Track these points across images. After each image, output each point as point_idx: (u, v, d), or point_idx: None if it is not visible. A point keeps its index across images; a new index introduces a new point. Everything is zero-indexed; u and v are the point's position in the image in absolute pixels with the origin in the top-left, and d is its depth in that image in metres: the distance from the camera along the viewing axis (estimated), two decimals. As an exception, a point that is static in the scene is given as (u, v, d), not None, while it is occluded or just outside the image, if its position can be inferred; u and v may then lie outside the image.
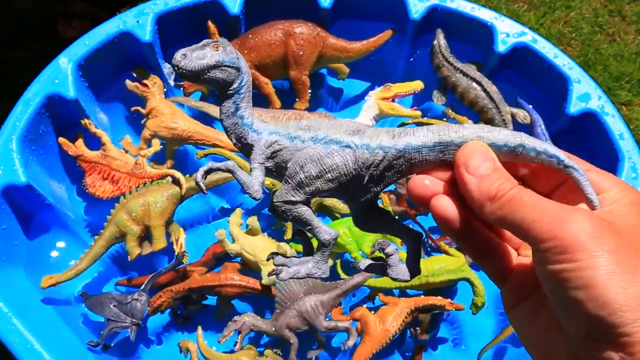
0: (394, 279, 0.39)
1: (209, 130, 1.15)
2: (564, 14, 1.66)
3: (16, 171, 0.98)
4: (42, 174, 1.08)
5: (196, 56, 0.36)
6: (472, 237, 0.34)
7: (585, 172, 0.32)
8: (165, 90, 1.18)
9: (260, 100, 1.20)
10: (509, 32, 1.14)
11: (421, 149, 0.34)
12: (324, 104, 1.33)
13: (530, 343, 0.33)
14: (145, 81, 1.14)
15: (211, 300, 1.11)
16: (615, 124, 1.06)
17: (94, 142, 1.11)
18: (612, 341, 0.26)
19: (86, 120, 1.10)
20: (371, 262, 0.40)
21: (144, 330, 1.11)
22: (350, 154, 0.35)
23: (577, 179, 0.31)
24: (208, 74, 0.37)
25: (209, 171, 0.39)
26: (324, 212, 1.13)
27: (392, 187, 1.16)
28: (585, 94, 1.10)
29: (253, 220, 1.06)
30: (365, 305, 1.08)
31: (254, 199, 0.38)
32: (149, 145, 1.14)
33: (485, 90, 1.15)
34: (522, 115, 1.16)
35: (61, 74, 1.06)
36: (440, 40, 1.18)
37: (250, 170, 0.38)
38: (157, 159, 1.18)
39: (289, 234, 1.12)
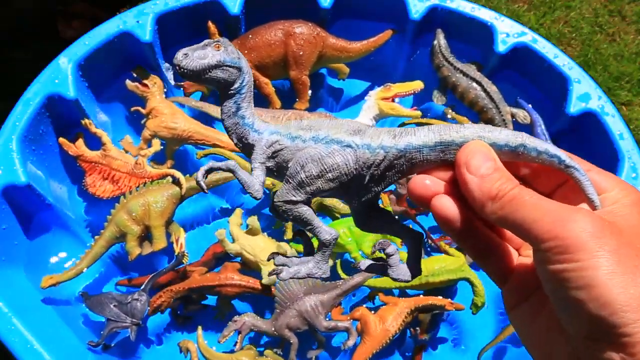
0: (394, 279, 0.39)
1: (209, 130, 1.15)
2: (564, 14, 1.66)
3: (16, 171, 0.98)
4: (42, 174, 1.08)
5: (197, 56, 0.36)
6: (473, 237, 0.34)
7: (586, 172, 0.32)
8: (165, 90, 1.18)
9: (260, 100, 1.20)
10: (509, 32, 1.14)
11: (422, 149, 0.34)
12: (324, 104, 1.33)
13: (531, 343, 0.33)
14: (145, 81, 1.14)
15: (211, 300, 1.11)
16: (615, 124, 1.06)
17: (94, 142, 1.11)
18: (612, 341, 0.26)
19: (86, 120, 1.10)
20: (372, 262, 0.40)
21: (144, 330, 1.11)
22: (351, 154, 0.35)
23: (578, 179, 0.31)
24: (209, 73, 0.37)
25: (209, 170, 0.39)
26: (324, 212, 1.13)
27: (392, 187, 1.16)
28: (585, 94, 1.10)
29: (253, 220, 1.06)
30: (365, 305, 1.08)
31: (255, 198, 0.38)
32: (149, 145, 1.14)
33: (485, 90, 1.15)
34: (522, 115, 1.16)
35: (61, 74, 1.06)
36: (440, 40, 1.18)
37: (251, 170, 0.38)
38: (157, 159, 1.18)
39: (289, 234, 1.12)
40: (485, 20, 1.15)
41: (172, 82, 1.24)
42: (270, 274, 0.41)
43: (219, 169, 0.39)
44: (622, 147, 1.04)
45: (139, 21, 1.12)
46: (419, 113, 1.16)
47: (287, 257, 0.39)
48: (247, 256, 1.05)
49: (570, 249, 0.27)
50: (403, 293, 1.10)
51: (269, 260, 0.40)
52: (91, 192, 1.10)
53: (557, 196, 0.33)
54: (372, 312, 1.04)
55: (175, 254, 1.06)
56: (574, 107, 1.09)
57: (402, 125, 1.16)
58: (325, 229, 0.38)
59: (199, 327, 1.03)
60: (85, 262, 1.06)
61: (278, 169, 0.38)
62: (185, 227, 1.14)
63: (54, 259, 1.12)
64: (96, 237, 1.07)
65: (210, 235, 1.13)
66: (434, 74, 1.21)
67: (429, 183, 0.33)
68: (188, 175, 1.11)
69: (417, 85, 1.16)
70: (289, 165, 0.37)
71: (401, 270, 0.39)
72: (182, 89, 1.23)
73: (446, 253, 1.07)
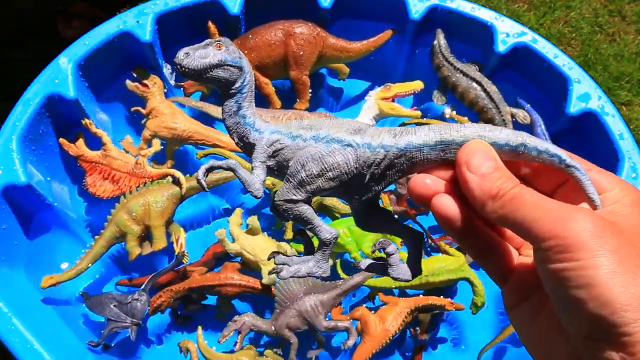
0: (395, 279, 0.39)
1: (209, 130, 1.15)
2: (564, 14, 1.66)
3: (16, 171, 0.98)
4: (43, 174, 1.08)
5: (199, 55, 0.36)
6: (474, 236, 0.34)
7: (586, 171, 0.31)
8: (165, 90, 1.18)
9: (260, 100, 1.20)
10: (509, 32, 1.14)
11: (422, 148, 0.34)
12: (324, 104, 1.33)
13: (531, 343, 0.33)
14: (145, 81, 1.14)
15: (211, 300, 1.11)
16: (615, 124, 1.06)
17: (95, 142, 1.11)
18: (612, 341, 0.26)
19: (87, 120, 1.10)
20: (372, 261, 0.40)
21: (144, 330, 1.11)
22: (352, 153, 0.35)
23: (578, 178, 0.31)
24: (210, 72, 0.37)
25: (210, 169, 0.39)
26: (324, 212, 1.13)
27: (392, 187, 1.16)
28: (585, 94, 1.10)
29: (253, 220, 1.06)
30: (365, 305, 1.08)
31: (255, 197, 0.38)
32: (150, 145, 1.14)
33: (485, 90, 1.15)
34: (522, 115, 1.16)
35: (61, 74, 1.06)
36: (440, 40, 1.18)
37: (252, 169, 0.38)
38: (158, 159, 1.18)
39: (289, 234, 1.12)
40: (485, 20, 1.15)
41: (172, 83, 1.24)
42: (270, 273, 0.41)
43: (220, 167, 0.39)
44: (622, 147, 1.04)
45: (139, 21, 1.12)
46: (419, 113, 1.16)
47: (288, 256, 0.39)
48: (247, 256, 1.05)
49: (570, 248, 0.27)
50: (403, 293, 1.10)
51: (269, 259, 0.40)
52: (91, 192, 1.10)
53: (557, 195, 0.33)
54: (372, 311, 1.04)
55: (175, 254, 1.06)
56: (574, 107, 1.09)
57: (403, 125, 1.16)
58: (326, 228, 0.38)
59: (199, 327, 1.03)
60: (86, 262, 1.06)
61: (279, 168, 0.38)
62: (185, 227, 1.14)
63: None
64: (96, 237, 1.07)
65: (210, 235, 1.13)
66: (434, 74, 1.21)
67: (429, 182, 0.33)
68: (188, 175, 1.11)
69: (417, 85, 1.16)
70: (289, 164, 0.37)
71: (401, 269, 0.39)
72: (182, 89, 1.23)
73: (446, 253, 1.07)
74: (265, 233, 1.09)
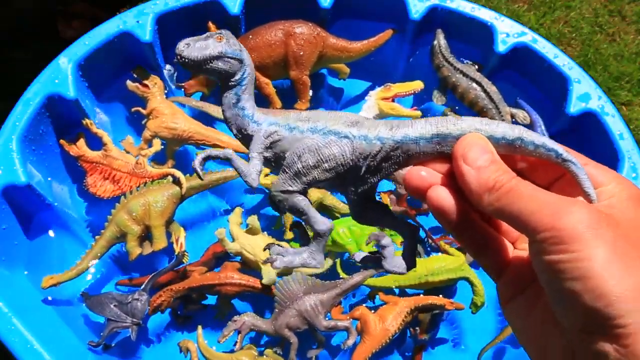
0: (389, 271, 0.39)
1: (210, 130, 1.15)
2: (564, 14, 1.66)
3: (16, 171, 0.98)
4: (43, 174, 1.08)
5: (199, 46, 0.37)
6: (469, 229, 0.34)
7: (583, 165, 0.31)
8: (166, 90, 1.18)
9: (260, 100, 1.20)
10: (509, 32, 1.14)
11: (419, 141, 0.34)
12: (324, 104, 1.33)
13: (526, 337, 0.33)
14: (145, 82, 1.14)
15: (211, 300, 1.11)
16: (615, 124, 1.06)
17: (96, 143, 1.11)
18: (607, 333, 0.26)
19: (87, 121, 1.10)
20: (366, 254, 0.40)
21: (144, 330, 1.11)
22: (348, 145, 0.36)
23: (574, 172, 0.31)
24: (210, 64, 0.37)
25: (207, 158, 0.39)
26: (324, 212, 1.13)
27: (392, 187, 1.16)
28: (585, 94, 1.10)
29: (253, 220, 1.06)
30: (365, 305, 1.08)
31: (251, 187, 0.38)
32: (150, 146, 1.14)
33: (485, 91, 1.15)
34: (522, 115, 1.16)
35: (61, 74, 1.06)
36: (440, 40, 1.18)
37: (249, 159, 0.39)
38: (158, 159, 1.18)
39: (289, 234, 1.12)
40: (485, 20, 1.15)
41: (173, 83, 1.24)
42: (264, 262, 0.42)
43: (217, 157, 0.39)
44: (622, 147, 1.04)
45: (139, 21, 1.12)
46: (419, 113, 1.16)
47: (283, 247, 0.39)
48: (246, 255, 1.05)
49: (566, 239, 0.27)
50: (403, 292, 1.10)
51: (265, 250, 0.40)
52: (92, 192, 1.11)
53: (554, 190, 0.33)
54: (372, 311, 1.04)
55: (175, 253, 1.06)
56: (574, 107, 1.09)
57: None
58: (321, 220, 0.38)
59: (199, 327, 1.03)
60: (86, 262, 1.06)
61: (276, 160, 0.38)
62: (185, 227, 1.14)
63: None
64: (97, 237, 1.07)
65: (210, 235, 1.13)
66: (434, 74, 1.21)
67: (425, 174, 0.34)
68: (188, 175, 1.11)
69: (417, 85, 1.16)
70: (286, 156, 0.37)
71: (396, 262, 0.39)
72: (182, 89, 1.23)
73: (446, 252, 1.07)
74: (265, 233, 1.09)
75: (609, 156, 1.05)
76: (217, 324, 1.09)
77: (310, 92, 1.22)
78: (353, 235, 1.07)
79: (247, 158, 0.39)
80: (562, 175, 0.33)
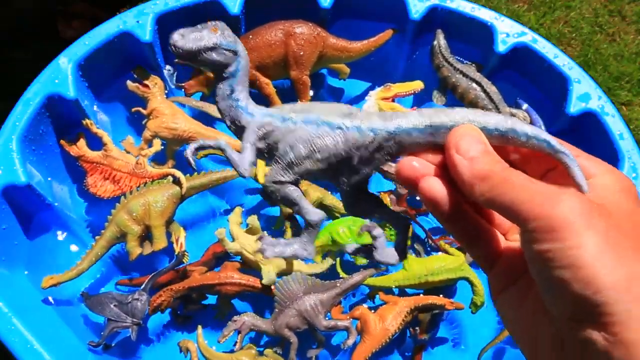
0: (380, 262, 0.39)
1: (210, 130, 1.15)
2: (564, 14, 1.66)
3: (16, 171, 0.98)
4: (43, 174, 1.08)
5: (194, 37, 0.37)
6: (461, 220, 0.34)
7: (575, 157, 0.31)
8: (166, 91, 1.18)
9: (261, 100, 1.20)
10: (509, 32, 1.14)
11: (412, 132, 0.34)
12: (324, 104, 1.33)
13: (518, 328, 0.33)
14: (146, 82, 1.14)
15: (211, 299, 1.11)
16: (615, 124, 1.06)
17: (96, 143, 1.11)
18: (595, 321, 0.26)
19: (87, 121, 1.10)
20: (358, 245, 0.41)
21: (144, 330, 1.11)
22: (341, 135, 0.36)
23: (566, 163, 0.31)
24: (204, 55, 0.37)
25: (200, 148, 0.40)
26: (324, 212, 1.13)
27: (392, 187, 1.16)
28: (585, 94, 1.10)
29: (253, 220, 1.06)
30: (365, 304, 1.08)
31: (242, 176, 0.38)
32: (150, 146, 1.14)
33: (485, 91, 1.15)
34: (521, 115, 1.16)
35: (61, 74, 1.06)
36: (440, 40, 1.18)
37: (242, 150, 0.39)
38: (158, 159, 1.18)
39: (289, 234, 1.12)
40: (485, 20, 1.15)
41: (173, 83, 1.24)
42: (255, 252, 0.42)
43: (209, 146, 0.39)
44: (622, 147, 1.04)
45: (139, 21, 1.12)
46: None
47: (274, 238, 0.40)
48: (246, 255, 1.05)
49: (556, 228, 0.27)
50: (403, 292, 1.10)
51: (256, 241, 0.40)
52: (92, 192, 1.11)
53: (546, 182, 0.33)
54: (372, 311, 1.04)
55: (176, 253, 1.06)
56: (574, 107, 1.09)
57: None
58: (312, 210, 0.38)
59: (199, 327, 1.04)
60: (86, 262, 1.06)
61: (269, 150, 0.38)
62: (185, 227, 1.14)
63: (60, 236, 1.13)
64: (97, 237, 1.07)
65: (210, 235, 1.13)
66: (434, 74, 1.21)
67: (417, 165, 0.34)
68: (188, 175, 1.11)
69: (417, 85, 1.16)
70: (279, 146, 0.37)
71: (387, 253, 0.40)
72: (182, 89, 1.23)
73: (446, 252, 1.07)
74: (265, 232, 1.09)
75: (609, 156, 1.05)
76: (217, 324, 1.09)
77: (311, 92, 1.22)
78: (353, 235, 1.07)
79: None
80: (555, 167, 0.33)
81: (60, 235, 1.14)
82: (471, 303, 1.03)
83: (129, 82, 1.14)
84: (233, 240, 1.06)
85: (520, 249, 0.32)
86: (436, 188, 0.32)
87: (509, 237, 0.36)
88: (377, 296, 1.08)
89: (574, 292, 0.27)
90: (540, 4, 1.67)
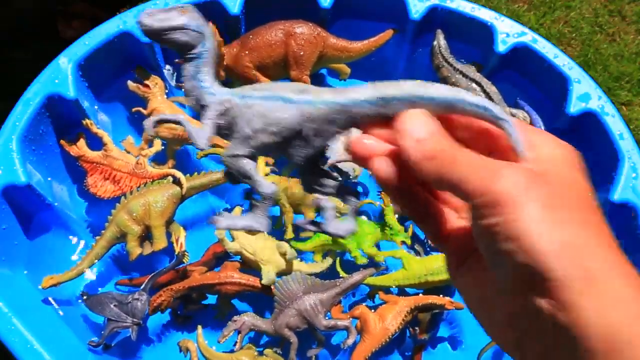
0: (330, 234, 0.41)
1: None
2: (564, 14, 1.66)
3: (16, 171, 0.99)
4: (43, 174, 1.08)
5: (161, 17, 0.39)
6: (412, 199, 0.34)
7: (521, 130, 0.32)
8: (166, 91, 1.18)
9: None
10: (509, 32, 1.14)
11: (362, 104, 0.35)
12: (324, 104, 1.33)
13: (475, 305, 0.34)
14: (146, 82, 1.15)
15: (211, 299, 1.11)
16: (615, 124, 1.06)
17: (96, 143, 1.11)
18: (540, 289, 0.27)
19: (88, 121, 1.10)
20: (309, 220, 0.43)
21: (144, 330, 1.11)
22: (294, 109, 0.37)
23: (507, 131, 0.32)
24: (170, 34, 0.39)
25: (160, 121, 0.43)
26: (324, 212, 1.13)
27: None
28: (585, 94, 1.10)
29: (253, 220, 1.06)
30: (364, 304, 1.08)
31: (198, 147, 0.40)
32: (150, 146, 1.15)
33: (485, 91, 1.15)
34: (521, 115, 1.16)
35: (61, 74, 1.06)
36: (440, 40, 1.18)
37: (202, 126, 0.41)
38: (159, 159, 1.18)
39: (289, 234, 1.12)
40: (485, 20, 1.15)
41: (173, 83, 1.24)
42: (208, 222, 0.44)
43: (168, 120, 0.43)
44: (622, 147, 1.04)
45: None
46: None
47: (229, 214, 0.42)
48: (246, 255, 1.05)
49: (499, 202, 0.28)
50: (403, 292, 1.10)
51: (210, 220, 0.42)
52: (92, 193, 1.11)
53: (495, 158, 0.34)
54: (372, 310, 1.04)
55: (176, 253, 1.06)
56: (574, 107, 1.09)
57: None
58: (265, 183, 0.40)
59: (199, 327, 1.04)
60: (86, 262, 1.06)
61: (229, 127, 0.40)
62: (185, 227, 1.14)
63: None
64: (97, 237, 1.07)
65: (210, 235, 1.13)
66: (434, 74, 1.21)
67: (369, 143, 0.34)
68: (188, 175, 1.11)
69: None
70: (237, 122, 0.39)
71: (337, 225, 0.41)
72: (182, 89, 1.23)
73: (446, 253, 1.07)
74: (264, 232, 1.09)
75: (609, 156, 1.05)
76: (217, 324, 1.09)
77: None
78: (353, 234, 1.07)
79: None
80: (500, 148, 0.33)
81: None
82: (471, 303, 1.03)
83: (129, 82, 1.14)
84: (233, 240, 1.06)
85: (470, 226, 0.33)
86: (386, 170, 0.33)
87: (461, 215, 0.36)
88: (377, 295, 1.08)
89: (517, 263, 0.27)
90: (540, 4, 1.67)
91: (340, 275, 1.06)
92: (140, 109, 1.16)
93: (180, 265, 1.08)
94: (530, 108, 1.17)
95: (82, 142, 1.11)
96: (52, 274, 1.04)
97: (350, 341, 1.00)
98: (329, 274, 1.08)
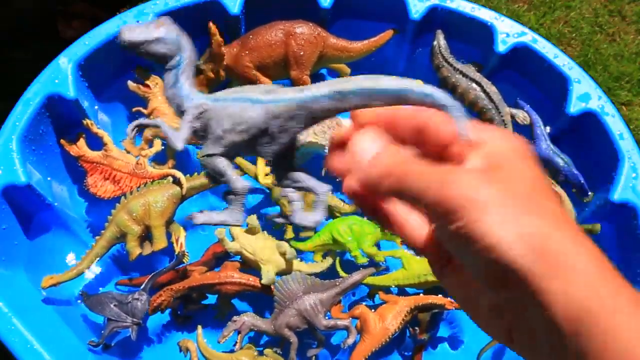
0: (298, 224, 0.43)
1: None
2: (564, 14, 1.66)
3: (16, 171, 0.99)
4: (43, 174, 1.08)
5: (139, 31, 0.42)
6: (382, 213, 0.35)
7: (470, 126, 0.32)
8: (166, 90, 1.18)
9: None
10: (509, 32, 1.14)
11: (320, 99, 0.37)
12: (324, 104, 1.33)
13: (462, 302, 0.35)
14: (147, 82, 1.15)
15: (211, 299, 1.11)
16: (615, 124, 1.06)
17: (96, 143, 1.11)
18: (512, 281, 0.28)
19: (88, 121, 1.10)
20: (280, 213, 0.45)
21: (144, 330, 1.11)
22: (260, 108, 0.40)
23: (453, 115, 0.32)
24: (148, 46, 0.42)
25: (139, 125, 0.46)
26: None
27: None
28: (585, 94, 1.10)
29: (252, 219, 1.06)
30: (364, 304, 1.08)
31: (174, 148, 0.43)
32: (151, 146, 1.15)
33: (484, 91, 1.15)
34: (521, 116, 1.16)
35: (61, 74, 1.06)
36: (440, 41, 1.18)
37: (180, 129, 0.44)
38: (159, 159, 1.18)
39: (289, 234, 1.12)
40: (485, 20, 1.15)
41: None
42: (186, 218, 0.46)
43: (148, 125, 0.47)
44: (622, 147, 1.04)
45: (139, 21, 1.12)
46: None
47: (207, 210, 0.45)
48: (246, 255, 1.05)
49: (457, 207, 0.28)
50: (403, 291, 1.10)
51: (189, 216, 0.45)
52: (92, 193, 1.11)
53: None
54: (372, 310, 1.04)
55: (176, 253, 1.06)
56: (574, 107, 1.09)
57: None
58: (238, 179, 0.44)
59: (199, 327, 1.04)
60: (86, 262, 1.06)
61: (204, 129, 0.43)
62: (185, 227, 1.14)
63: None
64: (97, 237, 1.07)
65: (210, 235, 1.13)
66: (434, 74, 1.21)
67: (343, 160, 0.35)
68: (189, 175, 1.11)
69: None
70: (211, 123, 0.42)
71: (304, 216, 0.44)
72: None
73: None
74: (264, 232, 1.09)
75: (609, 156, 1.05)
76: (217, 324, 1.10)
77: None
78: (353, 234, 1.07)
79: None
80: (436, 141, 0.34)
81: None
82: (471, 303, 1.03)
83: (129, 82, 1.14)
84: (233, 240, 1.06)
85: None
86: (353, 188, 0.34)
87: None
88: (377, 295, 1.08)
89: (486, 261, 0.28)
90: (540, 4, 1.67)
91: (340, 275, 1.06)
92: (141, 108, 1.16)
93: (180, 265, 1.08)
94: (530, 108, 1.17)
95: (82, 142, 1.11)
96: (52, 274, 1.04)
97: (350, 341, 1.00)
98: (329, 274, 1.08)
